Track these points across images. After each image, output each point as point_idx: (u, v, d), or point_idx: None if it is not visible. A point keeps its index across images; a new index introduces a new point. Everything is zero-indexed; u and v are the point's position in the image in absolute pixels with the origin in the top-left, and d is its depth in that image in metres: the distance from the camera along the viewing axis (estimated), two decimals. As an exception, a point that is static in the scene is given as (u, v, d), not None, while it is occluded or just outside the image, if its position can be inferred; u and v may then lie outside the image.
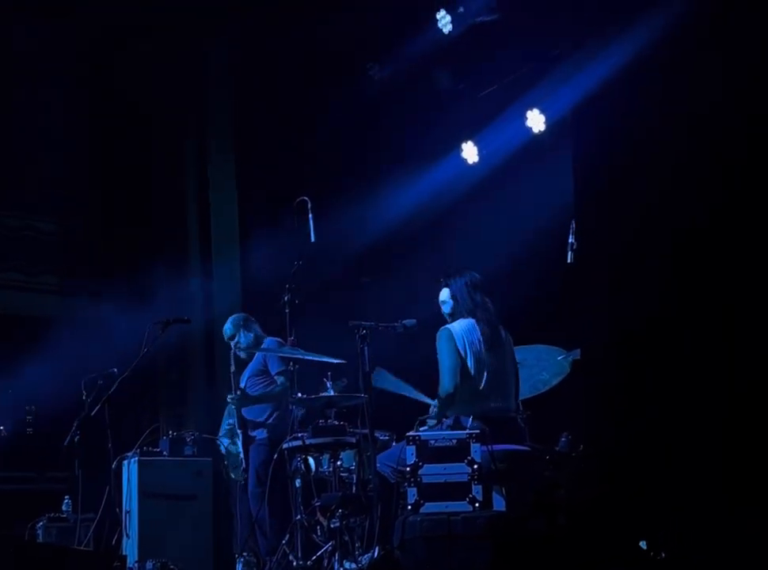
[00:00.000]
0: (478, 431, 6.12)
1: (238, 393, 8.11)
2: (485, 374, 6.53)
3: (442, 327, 6.67)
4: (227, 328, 8.60)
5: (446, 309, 6.81)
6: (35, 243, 11.00)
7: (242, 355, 8.50)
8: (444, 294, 6.82)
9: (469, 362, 6.53)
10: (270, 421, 8.22)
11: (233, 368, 8.20)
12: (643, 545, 5.95)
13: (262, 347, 8.33)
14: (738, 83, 6.86)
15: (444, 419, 6.57)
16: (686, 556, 6.06)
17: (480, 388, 6.50)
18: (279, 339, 8.11)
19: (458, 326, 6.63)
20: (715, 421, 6.61)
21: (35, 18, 9.96)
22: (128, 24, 10.14)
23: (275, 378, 8.25)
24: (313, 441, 7.03)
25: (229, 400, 8.17)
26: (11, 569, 6.07)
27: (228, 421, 8.48)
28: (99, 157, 10.81)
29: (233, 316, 8.68)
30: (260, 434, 8.23)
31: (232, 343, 8.53)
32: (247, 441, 8.20)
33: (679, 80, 7.25)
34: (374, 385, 6.75)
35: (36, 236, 10.99)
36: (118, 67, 10.44)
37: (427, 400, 6.84)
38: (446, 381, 6.52)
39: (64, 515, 8.58)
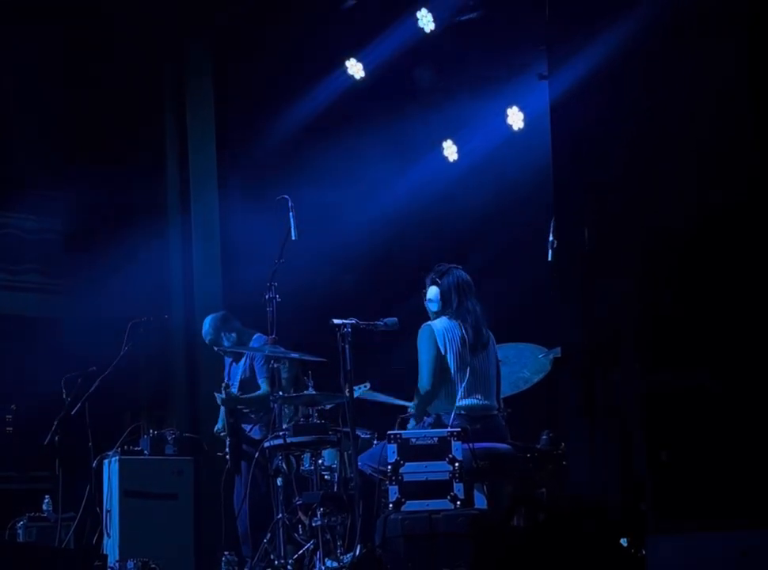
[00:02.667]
0: (459, 430, 6.14)
1: (224, 397, 8.07)
2: (467, 372, 6.55)
3: (424, 324, 6.68)
4: (206, 331, 8.48)
5: (432, 307, 6.81)
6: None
7: (228, 357, 8.47)
8: (432, 292, 6.81)
9: (450, 360, 6.55)
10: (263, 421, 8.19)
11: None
12: (624, 542, 5.96)
13: (248, 345, 8.27)
14: (725, 77, 6.86)
15: (426, 418, 6.59)
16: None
17: (462, 386, 6.52)
18: (265, 337, 8.04)
19: (440, 324, 6.65)
20: (695, 416, 6.63)
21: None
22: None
23: (260, 382, 8.20)
24: (294, 439, 7.03)
25: (218, 399, 8.13)
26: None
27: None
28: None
29: (210, 317, 8.54)
30: (255, 434, 8.21)
31: (215, 348, 8.47)
32: (237, 437, 8.15)
33: (661, 74, 7.25)
34: (358, 396, 6.78)
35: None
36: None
37: (406, 404, 6.86)
38: (425, 378, 6.55)
39: (44, 515, 8.54)
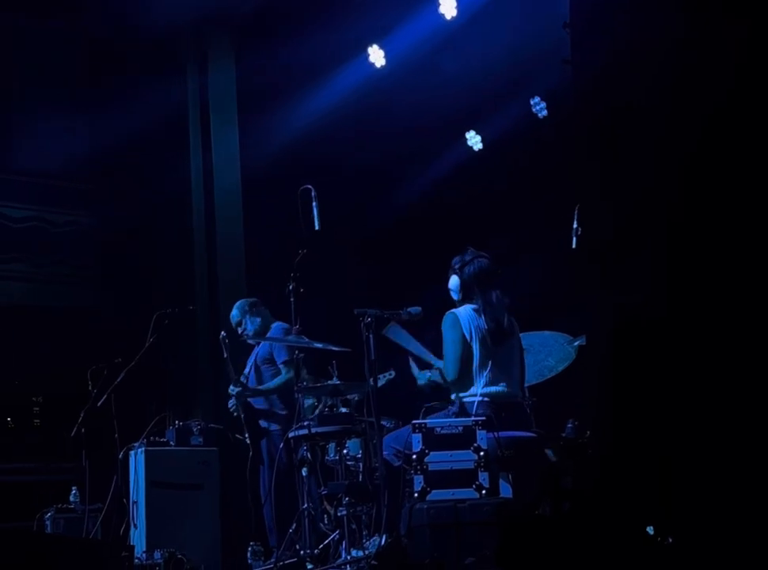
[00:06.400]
0: (484, 418, 6.11)
1: (239, 389, 8.09)
2: (491, 360, 6.52)
3: (448, 311, 6.65)
4: (234, 314, 8.58)
5: (454, 296, 6.78)
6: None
7: (250, 341, 8.49)
8: (452, 282, 6.77)
9: (475, 348, 6.52)
10: (281, 414, 8.20)
11: (225, 354, 8.17)
12: (650, 530, 5.93)
13: (269, 334, 8.31)
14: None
15: (450, 407, 6.56)
16: (693, 541, 6.05)
17: (486, 373, 6.49)
18: (286, 325, 8.08)
19: (464, 312, 6.62)
20: (723, 406, 6.59)
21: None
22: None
23: (280, 367, 8.24)
24: (319, 429, 7.03)
25: (231, 392, 8.15)
26: (20, 561, 6.06)
27: None
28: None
29: (240, 301, 8.64)
30: (273, 426, 8.22)
31: (239, 330, 8.53)
32: (256, 430, 8.17)
33: (688, 60, 7.19)
34: (386, 335, 6.71)
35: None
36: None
37: (432, 359, 6.77)
38: (450, 370, 6.51)
39: (72, 506, 8.56)
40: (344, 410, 7.19)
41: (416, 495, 6.03)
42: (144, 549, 7.81)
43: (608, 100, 7.68)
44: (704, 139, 6.80)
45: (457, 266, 6.72)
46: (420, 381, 6.69)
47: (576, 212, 7.17)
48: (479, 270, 6.67)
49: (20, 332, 10.46)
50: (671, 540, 5.85)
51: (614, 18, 7.23)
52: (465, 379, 6.51)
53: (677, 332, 6.68)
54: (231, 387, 8.15)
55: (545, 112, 9.93)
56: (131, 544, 7.81)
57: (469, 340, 6.53)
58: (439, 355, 6.70)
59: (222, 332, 8.26)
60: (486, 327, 6.55)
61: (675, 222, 6.92)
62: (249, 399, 8.22)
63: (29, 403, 10.21)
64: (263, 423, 8.23)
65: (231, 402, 8.24)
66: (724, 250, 6.63)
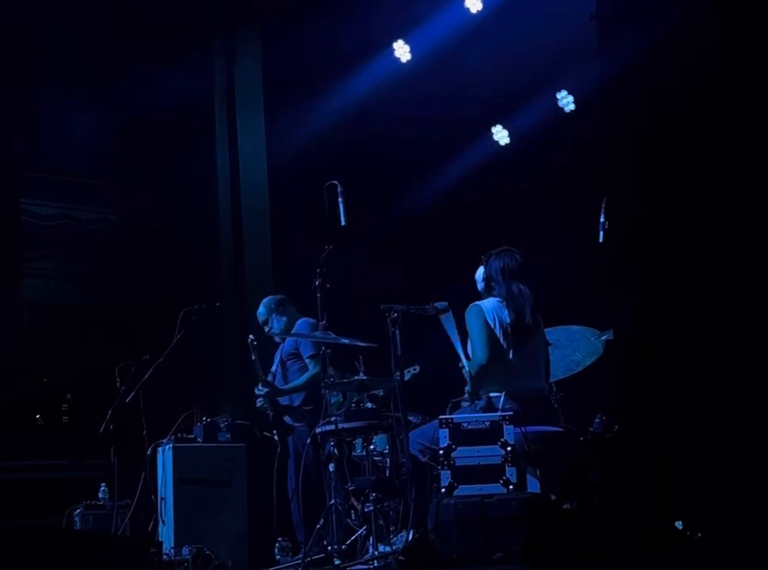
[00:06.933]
0: (511, 413, 6.09)
1: (267, 390, 8.10)
2: (515, 354, 6.50)
3: (472, 303, 6.64)
4: (260, 311, 8.58)
5: (479, 286, 6.80)
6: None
7: (277, 339, 8.50)
8: (479, 272, 6.81)
9: (499, 341, 6.50)
10: (306, 409, 8.20)
11: (253, 356, 8.17)
12: (679, 525, 5.90)
13: (293, 331, 8.31)
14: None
15: (477, 401, 6.54)
16: (723, 536, 6.01)
17: (510, 366, 6.47)
18: (312, 320, 8.08)
19: (489, 304, 6.61)
20: (753, 399, 6.54)
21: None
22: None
23: (306, 362, 8.24)
24: (346, 425, 7.02)
25: (257, 392, 8.16)
26: (49, 557, 6.09)
27: None
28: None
29: (267, 299, 8.64)
30: (298, 422, 8.22)
31: (266, 328, 8.53)
32: (282, 427, 8.19)
33: (715, 54, 7.13)
34: (439, 318, 6.70)
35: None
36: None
37: (463, 358, 6.75)
38: (479, 352, 6.49)
39: (100, 503, 8.59)
40: (370, 406, 7.18)
41: (443, 490, 6.02)
42: (172, 545, 7.82)
43: (635, 93, 7.64)
44: (732, 133, 6.76)
45: (485, 257, 6.74)
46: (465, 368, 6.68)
47: (602, 206, 7.14)
48: (504, 264, 6.68)
49: (49, 330, 10.51)
50: (699, 535, 5.82)
51: (641, 10, 7.19)
52: (490, 374, 6.49)
53: (704, 327, 6.64)
54: (259, 387, 8.16)
55: (572, 106, 9.88)
56: (160, 540, 7.84)
57: (493, 329, 6.52)
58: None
59: (251, 336, 8.27)
60: (509, 320, 6.54)
61: (702, 216, 6.89)
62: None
63: (58, 400, 10.25)
64: (288, 420, 8.24)
65: (259, 401, 8.25)
66: (752, 247, 6.58)
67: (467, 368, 6.61)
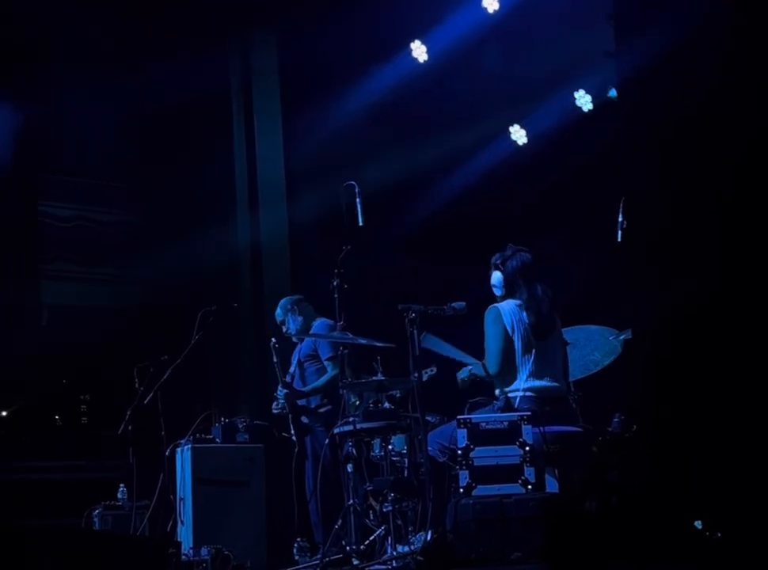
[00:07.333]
0: (529, 413, 6.08)
1: (286, 391, 8.11)
2: (534, 354, 6.49)
3: (491, 306, 6.63)
4: (277, 312, 8.58)
5: (496, 292, 6.77)
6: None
7: (294, 340, 8.50)
8: (495, 278, 6.77)
9: (517, 342, 6.49)
10: (323, 410, 8.21)
11: (275, 359, 8.18)
12: (698, 524, 5.87)
13: (311, 331, 8.32)
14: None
15: (495, 402, 6.54)
16: (743, 536, 5.98)
17: (529, 368, 6.46)
18: (330, 321, 8.08)
19: (507, 306, 6.60)
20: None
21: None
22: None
23: (325, 364, 8.24)
24: (364, 425, 7.02)
25: (279, 394, 8.17)
26: (69, 558, 6.11)
27: None
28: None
29: (284, 299, 8.63)
30: (315, 422, 8.22)
31: (283, 328, 8.54)
32: (299, 427, 8.19)
33: (737, 52, 7.10)
34: (423, 347, 6.70)
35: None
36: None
37: (470, 360, 6.75)
38: (492, 359, 6.50)
39: (119, 503, 8.61)
40: (388, 406, 7.18)
41: (461, 490, 6.01)
42: (191, 546, 7.84)
43: (653, 93, 7.61)
44: (755, 134, 6.73)
45: (498, 261, 6.72)
46: (461, 376, 6.68)
47: (620, 205, 7.12)
48: (521, 264, 6.66)
49: (67, 331, 10.54)
50: (719, 535, 5.79)
51: (660, 8, 7.16)
52: (508, 374, 6.49)
53: (725, 325, 6.61)
54: (279, 389, 8.16)
55: (590, 106, 9.85)
56: (178, 540, 7.85)
57: (511, 334, 6.51)
58: (480, 351, 6.68)
59: (273, 339, 8.28)
60: (528, 321, 6.52)
61: (728, 213, 6.85)
62: None
63: (77, 401, 10.28)
64: (305, 420, 8.24)
65: (276, 404, 8.26)
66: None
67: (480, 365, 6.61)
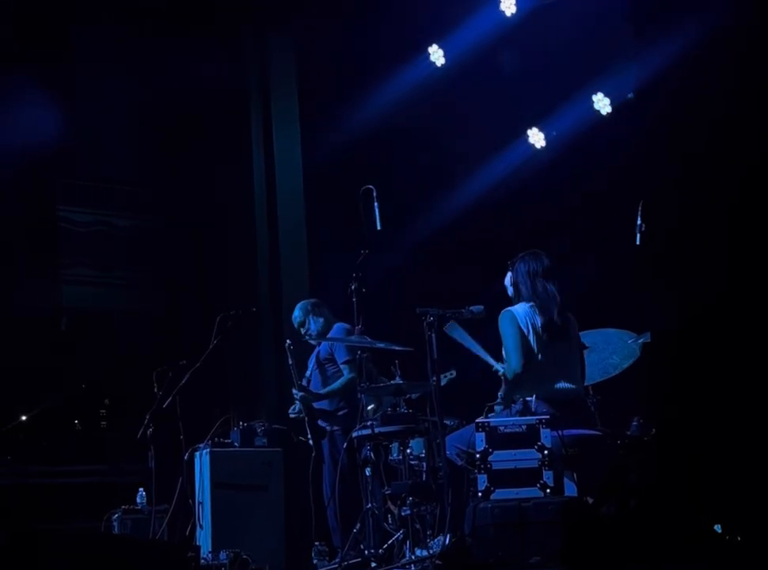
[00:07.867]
0: (548, 417, 6.06)
1: (302, 394, 8.12)
2: (549, 357, 6.46)
3: (505, 309, 6.61)
4: (296, 314, 8.60)
5: (510, 293, 6.77)
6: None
7: (312, 342, 8.51)
8: (507, 278, 6.78)
9: (533, 344, 6.47)
10: (340, 414, 8.21)
11: (290, 361, 8.18)
12: (718, 528, 5.85)
13: (330, 334, 8.32)
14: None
15: (513, 405, 6.52)
16: (763, 539, 5.96)
17: (545, 370, 6.43)
18: (347, 325, 8.09)
19: (521, 308, 6.58)
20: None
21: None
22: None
23: (341, 367, 8.24)
24: (382, 429, 7.02)
25: (295, 395, 8.18)
26: (88, 561, 6.12)
27: None
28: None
29: (302, 302, 8.65)
30: (332, 426, 8.22)
31: (302, 330, 8.54)
32: (316, 431, 8.19)
33: (755, 54, 7.07)
34: (446, 332, 6.69)
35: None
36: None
37: (491, 361, 6.73)
38: (514, 360, 6.45)
39: (139, 507, 8.64)
40: (404, 410, 7.17)
41: (479, 494, 6.00)
42: (210, 550, 7.87)
43: (671, 95, 7.59)
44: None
45: (511, 262, 6.72)
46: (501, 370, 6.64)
47: (639, 209, 7.10)
48: (532, 264, 6.64)
49: (87, 336, 10.58)
50: (739, 538, 5.77)
51: (678, 10, 7.14)
52: (525, 377, 6.46)
53: (743, 329, 6.59)
54: (294, 391, 8.17)
55: (608, 109, 9.83)
56: (197, 544, 7.86)
57: (526, 335, 6.49)
58: (497, 354, 6.66)
59: (288, 341, 8.29)
60: (540, 322, 6.50)
61: (744, 219, 6.83)
62: None
63: (97, 405, 10.31)
64: (322, 423, 8.24)
65: (293, 409, 8.27)
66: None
67: (502, 371, 6.58)
